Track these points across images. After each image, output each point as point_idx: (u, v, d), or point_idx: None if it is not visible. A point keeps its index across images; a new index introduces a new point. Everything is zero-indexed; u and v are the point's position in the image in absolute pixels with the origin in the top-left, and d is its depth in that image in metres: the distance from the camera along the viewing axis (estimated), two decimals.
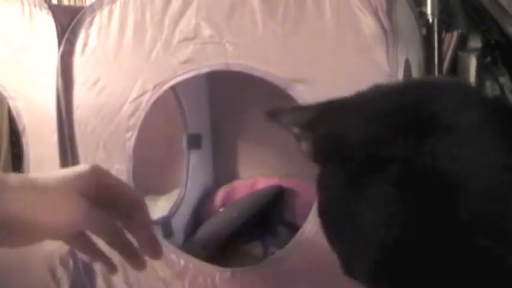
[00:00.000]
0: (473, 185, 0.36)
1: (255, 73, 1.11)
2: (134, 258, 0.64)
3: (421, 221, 0.37)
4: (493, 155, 0.37)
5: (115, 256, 0.66)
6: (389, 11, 1.00)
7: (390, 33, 0.99)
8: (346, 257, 0.45)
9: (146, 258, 0.66)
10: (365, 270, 0.43)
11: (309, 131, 0.47)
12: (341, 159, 0.43)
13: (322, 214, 0.46)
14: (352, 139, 0.42)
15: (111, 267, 0.67)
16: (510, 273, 0.34)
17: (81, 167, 0.59)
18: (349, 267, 0.47)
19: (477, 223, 0.36)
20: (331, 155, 0.44)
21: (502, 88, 1.58)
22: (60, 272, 1.34)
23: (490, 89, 1.59)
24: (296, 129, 0.49)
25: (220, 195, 1.65)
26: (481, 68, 1.53)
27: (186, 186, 1.65)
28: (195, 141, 1.65)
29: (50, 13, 1.33)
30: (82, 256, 0.67)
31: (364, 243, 0.41)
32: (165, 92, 1.25)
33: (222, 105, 1.71)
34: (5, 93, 1.45)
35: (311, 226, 1.09)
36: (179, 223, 1.59)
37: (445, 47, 1.51)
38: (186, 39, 1.17)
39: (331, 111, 0.47)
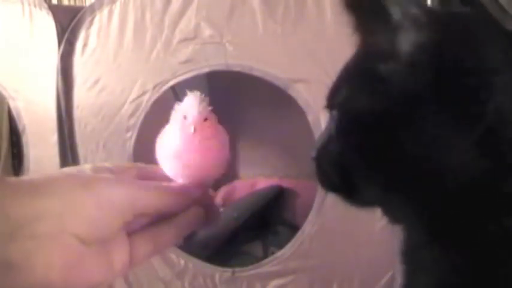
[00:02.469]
0: None
1: (255, 73, 1.11)
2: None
3: None
4: None
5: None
6: None
7: None
8: None
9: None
10: None
11: (420, 31, 0.35)
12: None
13: None
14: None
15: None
16: None
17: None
18: None
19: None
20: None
21: None
22: None
23: None
24: (396, 11, 0.36)
25: (220, 195, 1.65)
26: None
27: None
28: None
29: (50, 13, 1.33)
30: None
31: None
32: (165, 92, 1.25)
33: (222, 105, 1.71)
34: (5, 93, 1.45)
35: (311, 226, 1.09)
36: None
37: None
38: (186, 39, 1.17)
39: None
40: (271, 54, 1.09)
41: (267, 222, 1.55)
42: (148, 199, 0.39)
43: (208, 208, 0.43)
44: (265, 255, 1.35)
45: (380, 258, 1.02)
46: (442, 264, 0.37)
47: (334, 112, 0.42)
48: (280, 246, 1.19)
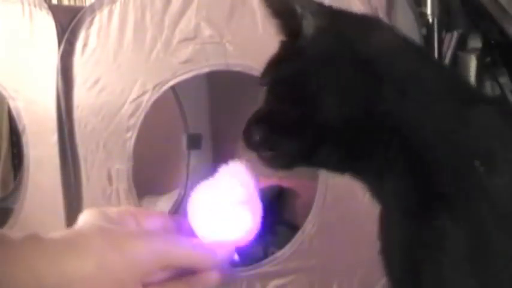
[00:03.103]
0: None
1: (255, 73, 1.11)
2: None
3: None
4: None
5: None
6: (389, 12, 1.00)
7: None
8: None
9: None
10: None
11: (316, 19, 0.50)
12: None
13: None
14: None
15: None
16: None
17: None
18: None
19: None
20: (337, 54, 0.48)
21: (502, 88, 1.57)
22: None
23: (490, 89, 1.59)
24: (299, 8, 0.51)
25: None
26: (481, 68, 1.53)
27: (186, 186, 1.65)
28: (195, 141, 1.65)
29: (50, 13, 1.33)
30: None
31: None
32: (165, 92, 1.25)
33: (222, 105, 1.71)
34: (5, 93, 1.45)
35: (311, 226, 1.09)
36: None
37: (445, 47, 1.51)
38: (186, 39, 1.17)
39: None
40: (271, 54, 1.09)
41: (266, 222, 1.55)
42: (175, 254, 0.39)
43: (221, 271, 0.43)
44: (265, 255, 1.35)
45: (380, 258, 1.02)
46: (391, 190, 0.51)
47: (265, 87, 0.56)
48: (280, 246, 1.18)
